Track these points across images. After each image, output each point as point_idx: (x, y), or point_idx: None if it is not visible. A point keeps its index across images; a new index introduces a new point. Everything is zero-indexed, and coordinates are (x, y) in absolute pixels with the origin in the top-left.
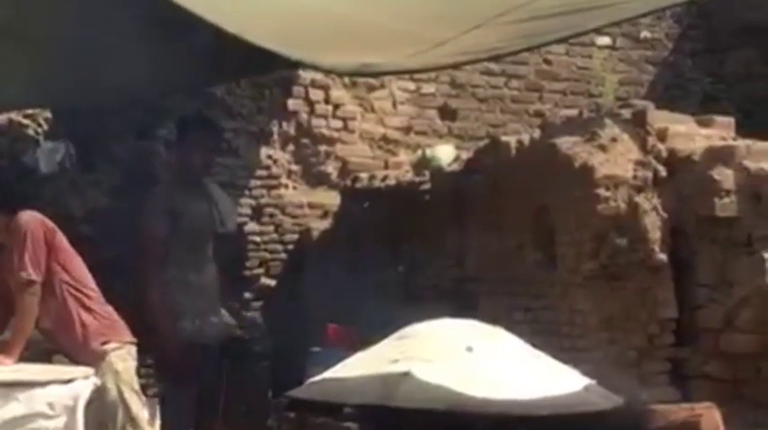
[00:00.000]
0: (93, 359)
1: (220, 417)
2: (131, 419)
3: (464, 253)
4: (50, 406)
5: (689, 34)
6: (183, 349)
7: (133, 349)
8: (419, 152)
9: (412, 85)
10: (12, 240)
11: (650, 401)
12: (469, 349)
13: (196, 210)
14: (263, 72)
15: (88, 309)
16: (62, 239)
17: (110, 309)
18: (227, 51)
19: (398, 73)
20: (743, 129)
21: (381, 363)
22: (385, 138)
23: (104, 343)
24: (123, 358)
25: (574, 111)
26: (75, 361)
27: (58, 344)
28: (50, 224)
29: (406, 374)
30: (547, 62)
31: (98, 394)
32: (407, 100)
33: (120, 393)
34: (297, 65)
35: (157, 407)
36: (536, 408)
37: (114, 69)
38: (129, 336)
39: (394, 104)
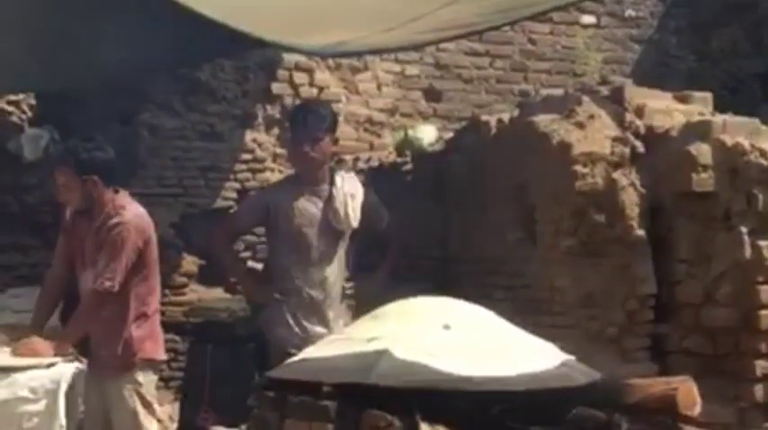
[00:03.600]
0: (121, 368)
1: (206, 403)
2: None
3: (446, 232)
4: (32, 390)
5: (673, 12)
6: None
7: (160, 366)
8: (401, 133)
9: (397, 67)
10: (109, 238)
11: (629, 376)
12: (446, 327)
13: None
14: (242, 52)
15: (140, 324)
16: (153, 250)
17: (157, 323)
18: (205, 31)
19: (376, 52)
20: (728, 107)
21: (359, 342)
22: (370, 120)
23: (138, 357)
24: (147, 373)
25: (559, 91)
26: (99, 360)
27: (95, 342)
28: (149, 232)
29: (384, 352)
30: (531, 42)
31: (104, 395)
32: (392, 82)
33: (135, 405)
34: (273, 45)
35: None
36: (513, 384)
37: (93, 52)
38: (162, 354)
39: (379, 86)
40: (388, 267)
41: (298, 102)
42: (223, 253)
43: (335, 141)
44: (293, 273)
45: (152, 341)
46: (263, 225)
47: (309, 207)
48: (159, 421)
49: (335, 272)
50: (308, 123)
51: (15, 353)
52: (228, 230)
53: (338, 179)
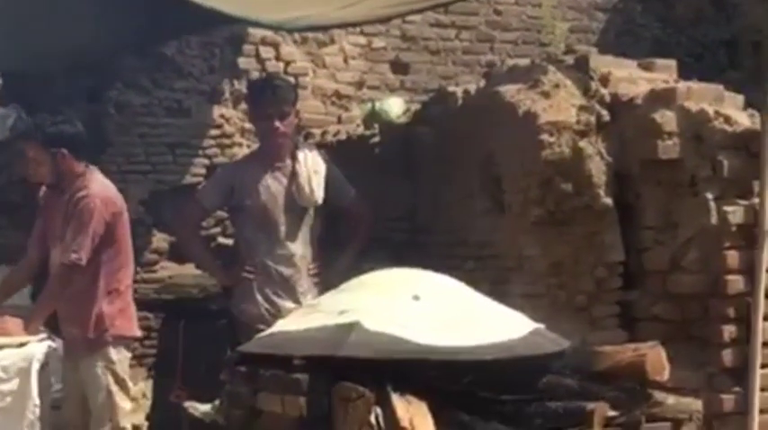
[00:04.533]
0: (93, 345)
1: (179, 379)
2: (112, 407)
3: (414, 204)
4: (4, 369)
5: None
6: None
7: (133, 343)
8: (368, 105)
9: (363, 40)
10: (75, 211)
11: (598, 344)
12: (416, 297)
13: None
14: (208, 28)
15: (111, 300)
16: (123, 225)
17: (130, 300)
18: (170, 9)
19: (342, 25)
20: (693, 74)
21: (329, 315)
22: (337, 94)
23: (109, 334)
24: (120, 350)
25: (526, 61)
26: (72, 338)
27: (64, 319)
28: (119, 206)
29: (354, 324)
30: (497, 12)
31: (79, 372)
32: (359, 54)
33: (108, 383)
34: (239, 21)
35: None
36: (482, 353)
37: (60, 31)
38: (135, 331)
39: (345, 60)
40: (358, 243)
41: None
42: (189, 241)
43: (297, 115)
44: (260, 251)
45: (124, 318)
46: (228, 204)
47: (273, 184)
48: (133, 399)
49: (302, 247)
50: (277, 97)
51: None
52: (193, 214)
53: (301, 155)
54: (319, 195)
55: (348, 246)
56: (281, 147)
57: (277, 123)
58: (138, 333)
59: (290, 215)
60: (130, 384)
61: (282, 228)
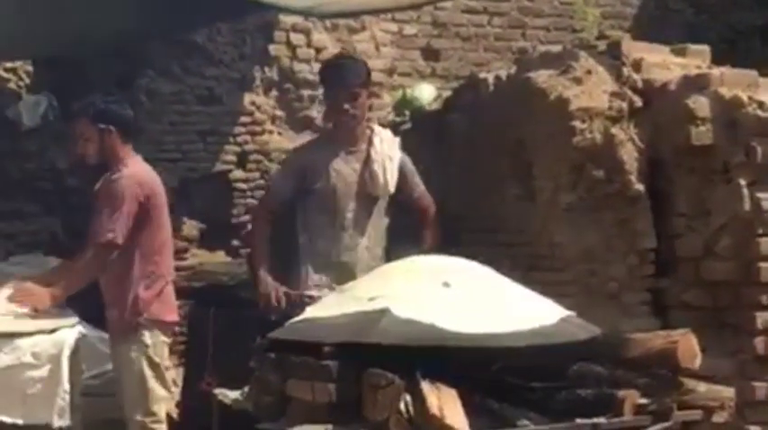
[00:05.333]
0: (127, 328)
1: (209, 367)
2: (145, 393)
3: (446, 191)
4: (35, 356)
5: None
6: None
7: (172, 328)
8: (399, 92)
9: (394, 27)
10: (109, 190)
11: (630, 331)
12: (446, 284)
13: None
14: (238, 15)
15: (148, 284)
16: (159, 206)
17: (169, 285)
18: None
19: (374, 12)
20: (727, 60)
21: (359, 302)
22: None
23: (144, 317)
24: (155, 334)
25: (558, 47)
26: (111, 322)
27: (107, 303)
28: (153, 187)
29: (384, 311)
30: None
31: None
32: (390, 41)
33: (142, 367)
34: (267, 7)
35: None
36: (512, 340)
37: (92, 17)
38: (172, 316)
39: (376, 47)
40: (432, 239)
41: (296, 63)
42: (254, 234)
43: (371, 96)
44: (324, 234)
45: (161, 302)
46: (302, 188)
47: (345, 168)
48: (167, 388)
49: (370, 239)
50: (346, 78)
51: (12, 299)
52: (269, 205)
53: (377, 140)
54: (393, 184)
55: (422, 242)
56: (352, 129)
57: (347, 105)
58: (176, 318)
59: (360, 203)
60: (166, 370)
61: (350, 215)
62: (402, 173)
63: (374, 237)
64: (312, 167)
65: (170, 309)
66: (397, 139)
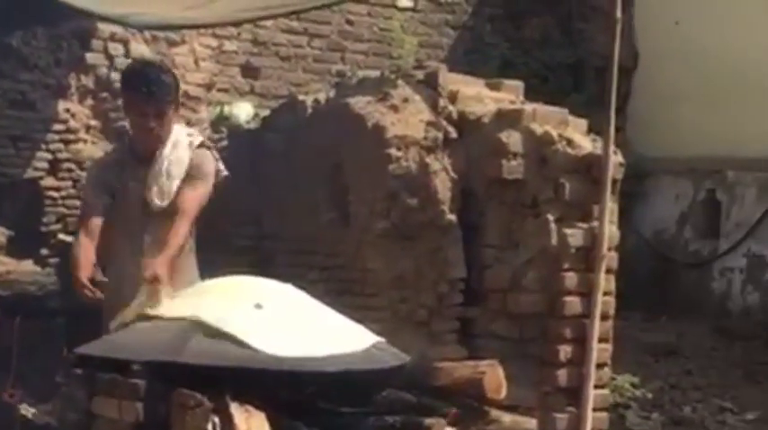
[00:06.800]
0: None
1: (13, 378)
2: None
3: (260, 211)
4: None
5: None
6: None
7: None
8: (217, 109)
9: (214, 42)
10: (201, 169)
11: (438, 359)
12: (258, 306)
13: None
14: (54, 19)
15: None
16: None
17: None
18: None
19: (195, 26)
20: (539, 96)
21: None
22: (186, 95)
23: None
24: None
25: (376, 72)
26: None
27: None
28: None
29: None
30: (349, 22)
31: None
32: (209, 56)
33: None
34: (82, 12)
35: None
36: (324, 365)
37: None
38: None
39: (195, 61)
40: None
41: (113, 72)
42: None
43: (177, 110)
44: (120, 248)
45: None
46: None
47: (137, 180)
48: None
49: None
50: (154, 93)
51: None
52: (87, 225)
53: (168, 147)
54: (163, 198)
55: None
56: (153, 148)
57: (153, 124)
58: None
59: (148, 213)
60: None
61: (136, 227)
62: (184, 179)
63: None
64: (113, 180)
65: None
66: (195, 142)
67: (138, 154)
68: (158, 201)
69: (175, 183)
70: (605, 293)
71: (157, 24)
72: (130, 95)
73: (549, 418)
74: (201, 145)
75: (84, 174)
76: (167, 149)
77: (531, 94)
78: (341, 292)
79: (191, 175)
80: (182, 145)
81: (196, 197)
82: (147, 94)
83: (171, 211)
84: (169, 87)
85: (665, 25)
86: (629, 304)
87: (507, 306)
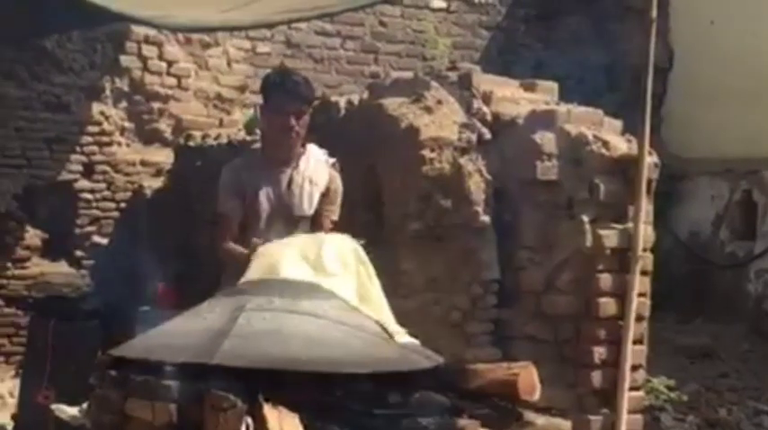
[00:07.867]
0: None
1: (47, 379)
2: None
3: None
4: None
5: (522, 0)
6: None
7: None
8: (251, 111)
9: (247, 44)
10: (338, 193)
11: (472, 361)
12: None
13: None
14: (90, 23)
15: None
16: None
17: None
18: (53, 3)
19: (230, 28)
20: (573, 96)
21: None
22: (219, 97)
23: None
24: None
25: (409, 74)
26: None
27: None
28: None
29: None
30: (382, 24)
31: None
32: (243, 59)
33: None
34: (117, 15)
35: None
36: (356, 367)
37: None
38: None
39: (229, 63)
40: None
41: (147, 75)
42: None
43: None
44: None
45: None
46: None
47: (273, 187)
48: None
49: None
50: (296, 92)
51: None
52: (227, 234)
53: (303, 160)
54: (311, 206)
55: None
56: (290, 148)
57: (293, 122)
58: None
59: (284, 223)
60: None
61: (273, 236)
62: (324, 195)
63: None
64: (247, 184)
65: None
66: (330, 160)
67: (273, 158)
68: (306, 207)
69: (317, 191)
70: (640, 295)
71: (191, 27)
72: (273, 95)
73: (583, 420)
74: (333, 165)
75: (117, 176)
76: (305, 158)
77: (565, 95)
78: None
79: (331, 199)
80: (319, 159)
81: (332, 225)
82: (291, 92)
83: (312, 221)
84: (309, 89)
85: (700, 25)
86: (665, 306)
87: (541, 307)
